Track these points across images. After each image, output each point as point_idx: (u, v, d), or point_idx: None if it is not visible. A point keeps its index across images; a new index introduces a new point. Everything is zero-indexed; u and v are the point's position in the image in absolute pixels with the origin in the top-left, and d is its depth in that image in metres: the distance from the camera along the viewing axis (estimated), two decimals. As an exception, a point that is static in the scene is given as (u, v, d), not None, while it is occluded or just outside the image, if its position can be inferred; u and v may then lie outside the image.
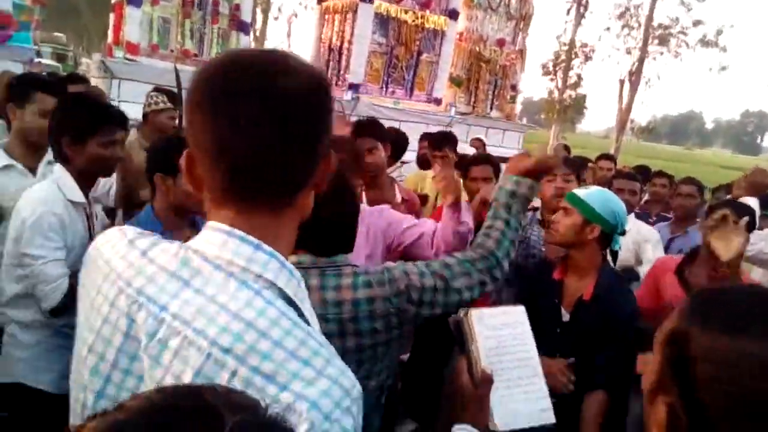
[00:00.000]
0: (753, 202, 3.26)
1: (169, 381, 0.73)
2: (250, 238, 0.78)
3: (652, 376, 0.78)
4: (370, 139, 2.99)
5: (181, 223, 2.04)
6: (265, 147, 0.76)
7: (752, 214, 2.78)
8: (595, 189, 2.25)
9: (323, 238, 1.60)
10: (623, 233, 2.22)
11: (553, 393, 1.46)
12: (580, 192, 2.22)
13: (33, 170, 2.46)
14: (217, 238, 0.78)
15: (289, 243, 0.85)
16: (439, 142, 4.25)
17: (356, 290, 1.56)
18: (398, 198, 3.14)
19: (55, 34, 27.08)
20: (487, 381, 1.32)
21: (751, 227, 2.72)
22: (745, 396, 0.66)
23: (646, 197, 4.61)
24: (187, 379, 0.72)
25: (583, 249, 2.18)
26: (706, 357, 0.69)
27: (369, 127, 3.11)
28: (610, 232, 2.16)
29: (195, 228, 2.08)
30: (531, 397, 1.39)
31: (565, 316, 2.20)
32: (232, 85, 0.75)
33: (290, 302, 0.79)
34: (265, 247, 0.79)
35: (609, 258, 2.27)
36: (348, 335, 1.55)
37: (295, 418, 0.70)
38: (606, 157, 4.94)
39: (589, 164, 4.18)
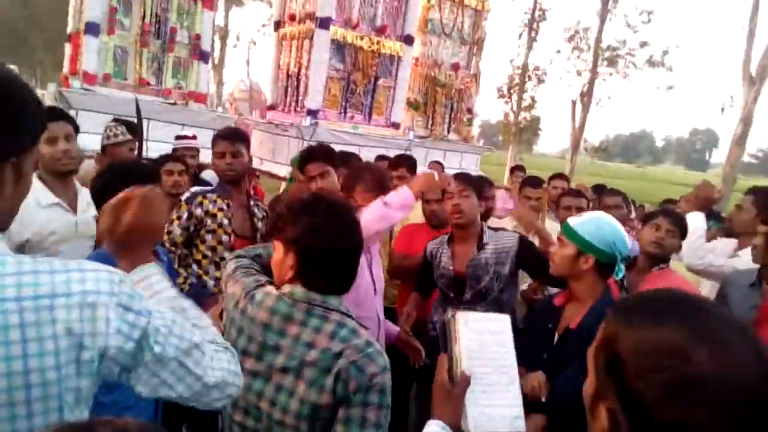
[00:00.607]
0: (699, 216, 3.40)
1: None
2: None
3: (590, 389, 0.83)
4: (320, 164, 3.04)
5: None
6: None
7: (683, 223, 2.96)
8: (588, 218, 2.20)
9: (317, 272, 1.58)
10: (626, 259, 2.17)
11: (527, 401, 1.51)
12: (573, 222, 2.18)
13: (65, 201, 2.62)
14: None
15: None
16: (396, 163, 4.39)
17: (332, 340, 1.51)
18: None
19: (8, 66, 26.50)
20: (465, 381, 1.36)
21: (682, 235, 2.91)
22: (672, 381, 0.71)
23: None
24: None
25: (581, 279, 2.16)
26: (634, 352, 0.75)
27: (320, 152, 3.17)
28: (609, 260, 2.11)
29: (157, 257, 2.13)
30: (505, 403, 1.41)
31: (555, 343, 2.20)
32: None
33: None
34: None
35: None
36: (300, 380, 1.51)
37: (91, 311, 0.94)
38: (559, 176, 5.10)
39: (543, 185, 4.33)
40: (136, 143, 3.94)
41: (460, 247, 2.98)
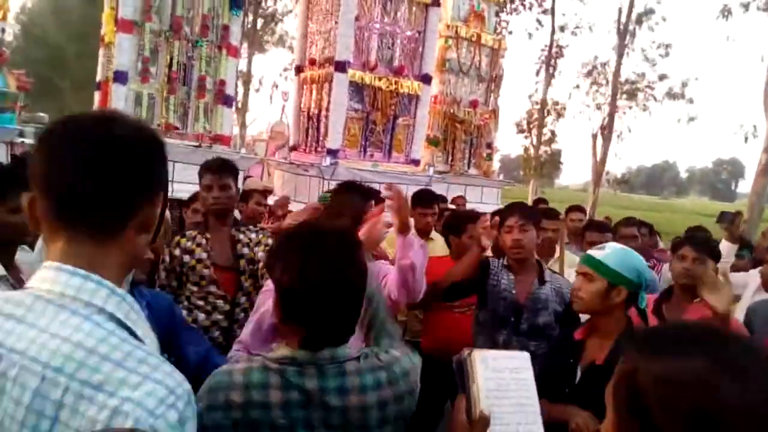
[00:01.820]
0: (726, 244, 3.45)
1: (11, 407, 0.81)
2: (80, 270, 0.88)
3: (610, 427, 0.83)
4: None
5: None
6: (84, 182, 0.88)
7: (712, 247, 2.93)
8: (612, 248, 2.15)
9: (322, 328, 1.36)
10: (649, 288, 2.13)
11: None
12: (598, 254, 2.11)
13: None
14: (49, 274, 0.89)
15: (117, 274, 0.93)
16: (429, 200, 4.33)
17: (365, 393, 1.36)
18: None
19: (38, 114, 27.42)
20: (483, 421, 1.33)
21: (714, 260, 2.87)
22: (696, 412, 0.70)
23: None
24: (26, 401, 0.80)
25: (610, 313, 2.09)
26: (655, 383, 0.74)
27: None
28: (635, 290, 2.07)
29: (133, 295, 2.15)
30: None
31: (579, 378, 2.12)
32: (69, 132, 0.91)
33: (121, 324, 0.88)
34: (94, 276, 0.89)
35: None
36: None
37: (122, 419, 0.79)
38: (576, 208, 5.12)
39: (559, 216, 4.34)
40: None
41: (519, 277, 2.93)
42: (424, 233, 4.07)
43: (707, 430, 0.69)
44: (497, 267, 3.02)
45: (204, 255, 3.01)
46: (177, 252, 3.02)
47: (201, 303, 2.98)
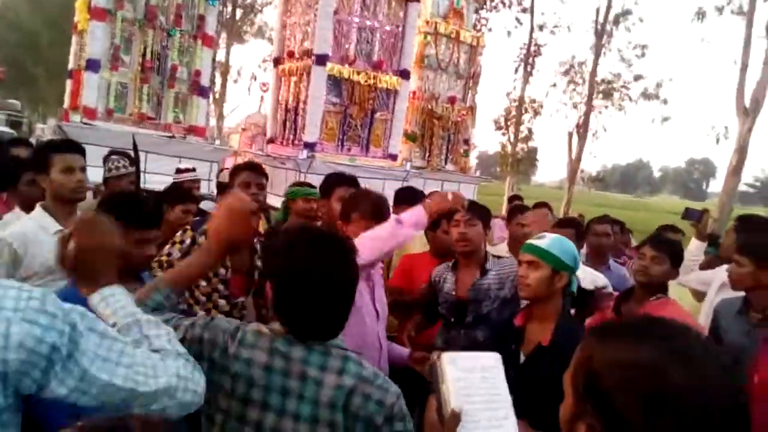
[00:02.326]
0: (695, 242, 3.59)
1: None
2: None
3: (567, 411, 0.86)
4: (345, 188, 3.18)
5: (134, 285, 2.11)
6: None
7: (673, 248, 2.99)
8: (550, 237, 2.25)
9: (296, 313, 1.45)
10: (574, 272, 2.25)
11: None
12: (541, 243, 2.21)
13: None
14: None
15: None
16: (412, 198, 4.31)
17: (342, 375, 1.43)
18: None
19: (10, 101, 26.86)
20: (455, 419, 1.35)
21: (674, 262, 2.92)
22: (650, 395, 0.74)
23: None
24: None
25: (552, 298, 2.20)
26: (610, 367, 0.78)
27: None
28: (571, 276, 2.20)
29: (141, 282, 2.15)
30: None
31: (522, 360, 2.20)
32: None
33: None
34: None
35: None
36: (319, 422, 1.41)
37: None
38: (541, 205, 5.16)
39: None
40: (132, 175, 3.99)
41: (463, 273, 3.03)
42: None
43: (660, 410, 0.73)
44: (443, 272, 3.12)
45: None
46: (202, 239, 2.88)
47: (203, 299, 2.91)
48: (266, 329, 1.50)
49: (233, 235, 1.59)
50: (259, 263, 3.05)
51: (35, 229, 2.48)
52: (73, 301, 1.40)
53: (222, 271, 2.93)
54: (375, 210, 2.55)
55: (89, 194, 4.15)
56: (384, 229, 2.32)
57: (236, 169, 3.23)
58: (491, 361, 1.51)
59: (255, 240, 3.12)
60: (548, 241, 2.22)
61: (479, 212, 3.06)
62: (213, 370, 1.44)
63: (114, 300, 1.26)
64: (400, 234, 2.32)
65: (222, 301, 2.93)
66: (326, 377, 1.42)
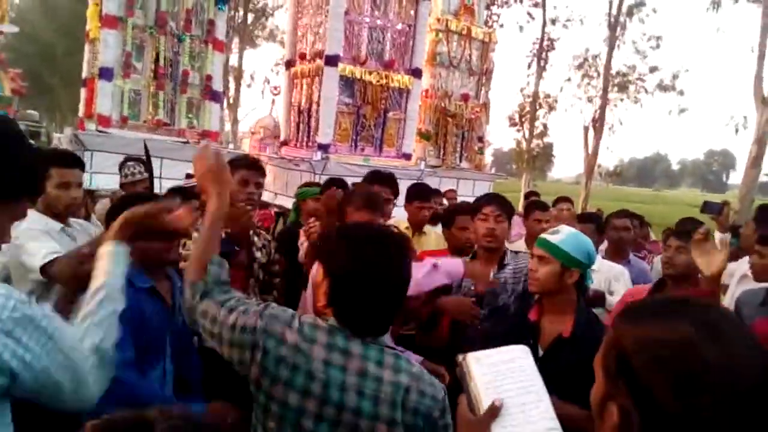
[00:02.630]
0: (719, 235, 3.47)
1: None
2: None
3: (598, 393, 0.86)
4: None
5: (157, 273, 2.18)
6: None
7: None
8: (565, 232, 2.24)
9: (354, 310, 1.49)
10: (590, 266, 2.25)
11: None
12: (553, 238, 2.21)
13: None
14: None
15: None
16: (426, 194, 4.34)
17: (399, 373, 1.47)
18: None
19: (29, 111, 27.26)
20: (492, 410, 1.32)
21: None
22: (681, 372, 0.74)
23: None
24: None
25: (564, 293, 2.20)
26: (639, 346, 0.78)
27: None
28: (584, 270, 2.20)
29: (170, 281, 2.25)
30: (534, 418, 1.37)
31: (540, 353, 2.20)
32: None
33: None
34: None
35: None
36: (380, 419, 1.43)
37: None
38: (563, 199, 5.19)
39: (551, 208, 4.35)
40: (146, 181, 4.05)
41: (481, 268, 2.98)
42: (418, 226, 4.13)
43: (691, 387, 0.73)
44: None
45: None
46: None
47: None
48: (323, 322, 1.51)
49: (216, 175, 1.65)
50: (259, 256, 3.05)
51: (36, 227, 2.45)
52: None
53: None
54: (366, 200, 2.70)
55: (107, 201, 4.21)
56: (419, 270, 2.34)
57: (233, 165, 3.17)
58: (517, 353, 1.48)
59: (252, 233, 3.12)
60: (561, 236, 2.20)
61: (507, 209, 3.06)
62: (267, 360, 1.44)
63: (120, 260, 1.35)
64: (435, 279, 2.39)
65: None
66: (384, 374, 1.45)
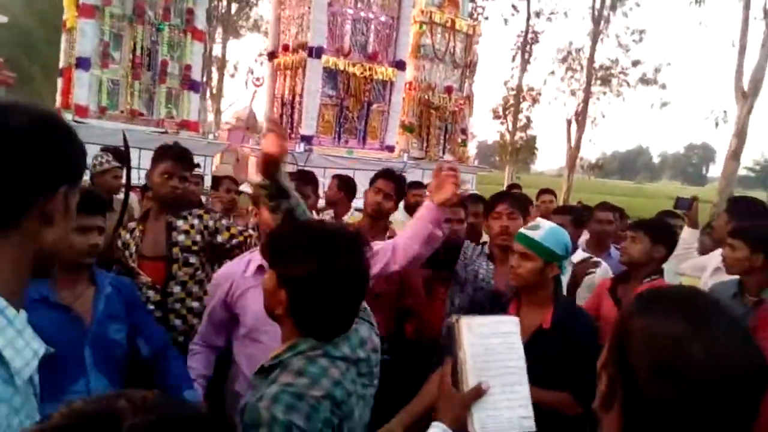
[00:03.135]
0: (688, 230, 3.64)
1: None
2: None
3: (602, 358, 0.95)
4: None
5: (75, 277, 2.03)
6: None
7: (656, 229, 2.99)
8: (544, 228, 2.23)
9: (330, 323, 1.43)
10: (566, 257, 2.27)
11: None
12: (533, 234, 2.20)
13: None
14: None
15: (11, 269, 0.90)
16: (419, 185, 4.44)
17: (373, 340, 1.56)
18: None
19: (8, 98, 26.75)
20: (476, 392, 1.36)
21: (662, 242, 2.92)
22: (662, 364, 0.82)
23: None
24: None
25: (543, 287, 2.23)
26: (639, 334, 0.87)
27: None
28: (561, 263, 2.22)
29: (93, 282, 2.09)
30: (513, 404, 1.41)
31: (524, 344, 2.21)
32: None
33: None
34: None
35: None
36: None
37: None
38: (546, 191, 5.22)
39: (535, 202, 4.36)
40: (123, 171, 3.96)
41: (501, 266, 2.89)
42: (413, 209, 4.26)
43: (670, 377, 0.81)
44: (473, 254, 2.99)
45: (134, 247, 2.90)
46: (119, 244, 2.93)
47: (196, 305, 2.87)
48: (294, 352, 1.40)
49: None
50: (181, 239, 2.93)
51: None
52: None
53: (133, 264, 2.87)
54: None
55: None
56: (423, 226, 2.15)
57: (157, 155, 2.94)
58: (507, 326, 1.51)
59: (175, 219, 2.95)
60: (541, 232, 2.20)
61: (520, 205, 2.99)
62: (342, 417, 1.37)
63: None
64: (436, 237, 2.16)
65: (150, 293, 2.86)
66: (368, 349, 1.51)
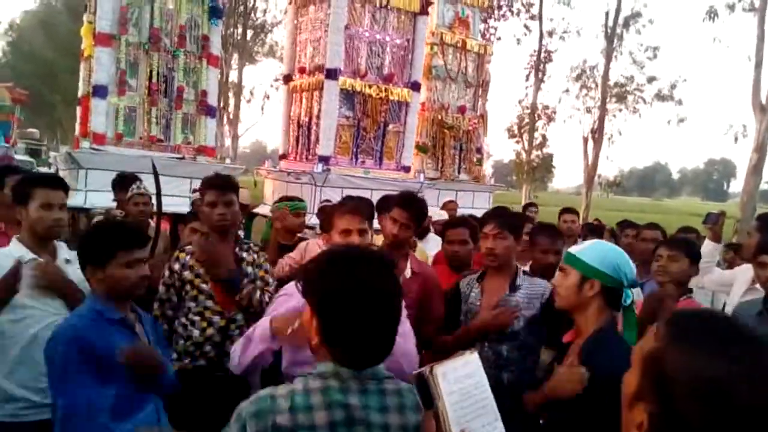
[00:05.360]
0: (709, 244, 3.60)
1: None
2: None
3: (632, 384, 0.91)
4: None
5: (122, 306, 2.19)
6: None
7: (689, 246, 2.93)
8: (590, 243, 2.14)
9: (366, 347, 1.38)
10: (633, 285, 2.05)
11: None
12: (575, 249, 2.11)
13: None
14: None
15: None
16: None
17: (404, 413, 1.42)
18: (407, 272, 3.07)
19: (29, 129, 27.33)
20: None
21: (691, 258, 2.85)
22: (716, 413, 0.80)
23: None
24: None
25: (587, 308, 2.03)
26: (681, 376, 0.83)
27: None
28: (616, 286, 2.00)
29: (135, 312, 2.27)
30: None
31: None
32: None
33: None
34: None
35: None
36: None
37: None
38: (568, 210, 5.14)
39: (557, 222, 4.30)
40: (150, 198, 4.08)
41: (490, 286, 2.88)
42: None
43: (721, 422, 0.79)
44: (470, 282, 2.99)
45: (202, 270, 2.90)
46: (176, 266, 2.92)
47: (197, 318, 2.89)
48: (313, 380, 1.39)
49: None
50: (249, 270, 2.99)
51: (8, 262, 2.41)
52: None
53: (204, 286, 2.90)
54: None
55: (102, 219, 4.19)
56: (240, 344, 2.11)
57: (202, 186, 3.05)
58: (474, 365, 1.53)
59: (238, 249, 3.04)
60: (582, 247, 2.10)
61: (510, 224, 2.90)
62: None
63: None
64: (249, 349, 2.08)
65: (216, 318, 2.90)
66: (390, 418, 1.39)
